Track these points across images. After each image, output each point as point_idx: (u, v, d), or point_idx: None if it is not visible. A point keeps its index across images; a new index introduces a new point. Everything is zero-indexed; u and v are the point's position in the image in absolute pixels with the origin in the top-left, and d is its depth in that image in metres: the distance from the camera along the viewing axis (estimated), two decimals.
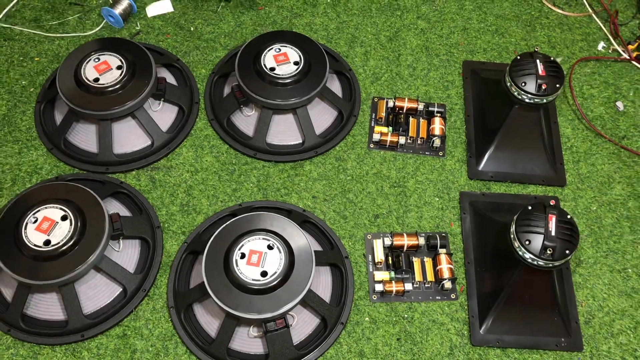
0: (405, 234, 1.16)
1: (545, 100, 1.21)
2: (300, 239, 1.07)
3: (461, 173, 1.27)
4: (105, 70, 1.22)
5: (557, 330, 1.10)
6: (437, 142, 1.28)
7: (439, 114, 1.31)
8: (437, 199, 1.24)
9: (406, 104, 1.31)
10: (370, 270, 1.15)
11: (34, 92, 1.34)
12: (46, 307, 1.08)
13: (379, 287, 1.12)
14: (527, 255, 1.03)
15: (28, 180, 1.23)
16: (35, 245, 1.03)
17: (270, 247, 1.05)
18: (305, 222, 1.18)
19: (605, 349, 1.09)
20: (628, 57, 1.43)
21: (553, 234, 1.02)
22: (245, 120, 1.30)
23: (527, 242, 1.03)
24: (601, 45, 1.46)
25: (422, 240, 1.16)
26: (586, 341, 1.10)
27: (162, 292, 1.12)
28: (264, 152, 1.26)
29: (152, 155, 1.25)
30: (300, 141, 1.27)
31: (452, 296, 1.13)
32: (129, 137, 1.25)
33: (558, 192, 1.26)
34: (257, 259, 1.04)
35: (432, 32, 1.47)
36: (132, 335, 1.09)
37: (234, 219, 1.10)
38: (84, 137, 1.26)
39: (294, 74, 1.24)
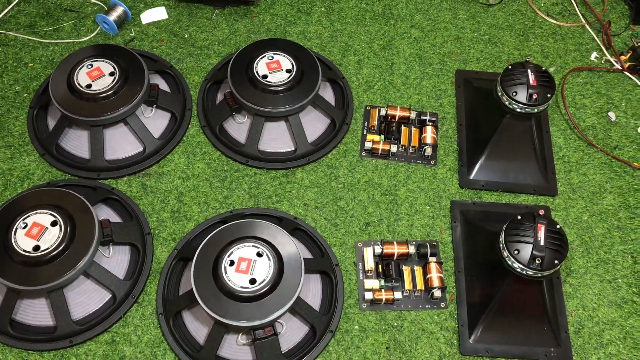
0: (395, 242, 1.16)
1: (536, 110, 1.21)
2: (290, 247, 1.07)
3: (452, 182, 1.27)
4: (97, 76, 1.23)
5: (546, 340, 1.09)
6: (428, 150, 1.28)
7: (431, 123, 1.31)
8: (428, 207, 1.24)
9: (398, 113, 1.31)
10: (360, 278, 1.15)
11: (27, 97, 1.34)
12: (35, 312, 1.08)
13: (368, 295, 1.12)
14: (516, 265, 1.03)
15: (20, 185, 1.23)
16: (24, 250, 1.03)
17: (259, 255, 1.05)
18: (296, 229, 1.18)
19: (595, 359, 1.09)
20: (620, 68, 1.43)
21: (542, 243, 1.02)
22: (238, 127, 1.30)
23: (516, 252, 1.03)
24: (594, 55, 1.47)
25: (412, 249, 1.16)
26: (576, 351, 1.09)
27: (152, 298, 1.12)
28: (255, 159, 1.27)
29: (144, 161, 1.25)
30: (293, 149, 1.28)
31: (442, 305, 1.13)
32: (120, 143, 1.25)
33: (549, 201, 1.26)
34: (246, 267, 1.04)
35: (426, 41, 1.47)
36: (121, 342, 1.08)
37: (223, 226, 1.10)
38: (76, 142, 1.26)
39: (286, 81, 1.25)
